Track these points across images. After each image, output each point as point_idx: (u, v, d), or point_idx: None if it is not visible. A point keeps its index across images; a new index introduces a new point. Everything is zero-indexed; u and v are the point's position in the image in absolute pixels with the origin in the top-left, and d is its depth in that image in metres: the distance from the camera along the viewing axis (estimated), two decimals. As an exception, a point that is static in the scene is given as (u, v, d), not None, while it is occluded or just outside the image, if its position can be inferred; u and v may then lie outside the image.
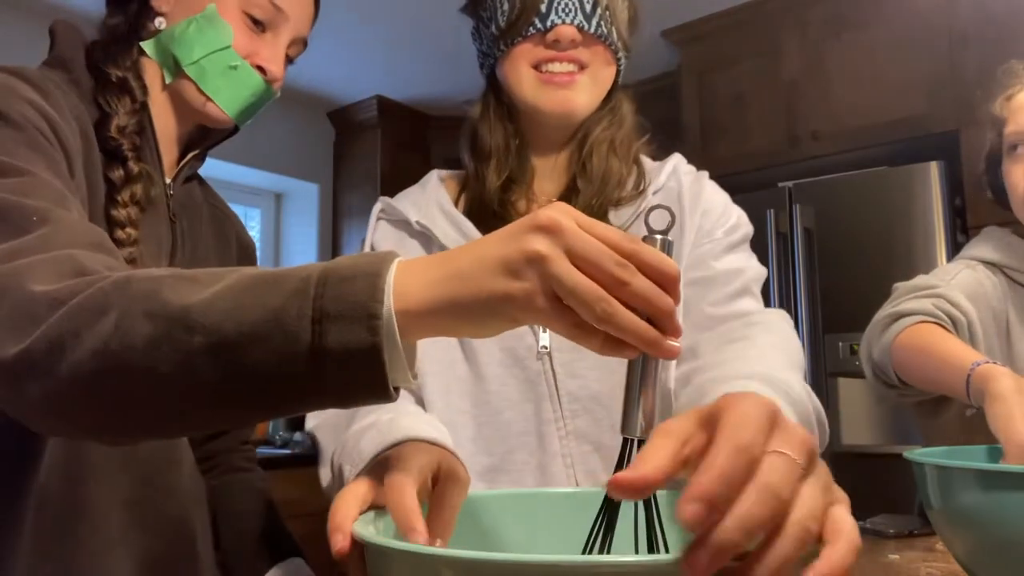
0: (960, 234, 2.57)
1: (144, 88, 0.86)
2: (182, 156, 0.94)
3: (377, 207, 1.00)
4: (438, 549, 0.42)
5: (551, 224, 0.47)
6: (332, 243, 4.09)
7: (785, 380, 0.71)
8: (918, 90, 2.68)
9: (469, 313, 0.48)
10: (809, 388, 0.77)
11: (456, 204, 0.97)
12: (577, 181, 0.93)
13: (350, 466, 0.69)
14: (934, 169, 2.53)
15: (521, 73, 0.90)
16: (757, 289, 0.91)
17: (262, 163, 3.76)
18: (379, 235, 0.98)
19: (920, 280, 1.24)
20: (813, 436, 0.45)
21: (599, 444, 0.87)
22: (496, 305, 0.48)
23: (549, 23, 0.88)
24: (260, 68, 0.89)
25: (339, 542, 0.49)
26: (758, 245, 0.95)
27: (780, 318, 0.86)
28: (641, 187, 0.94)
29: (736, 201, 0.97)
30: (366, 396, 0.49)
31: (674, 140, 3.24)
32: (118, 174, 0.80)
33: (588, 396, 0.87)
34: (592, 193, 0.91)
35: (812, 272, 2.69)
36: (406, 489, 0.53)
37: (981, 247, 1.30)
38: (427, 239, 0.95)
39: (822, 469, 0.39)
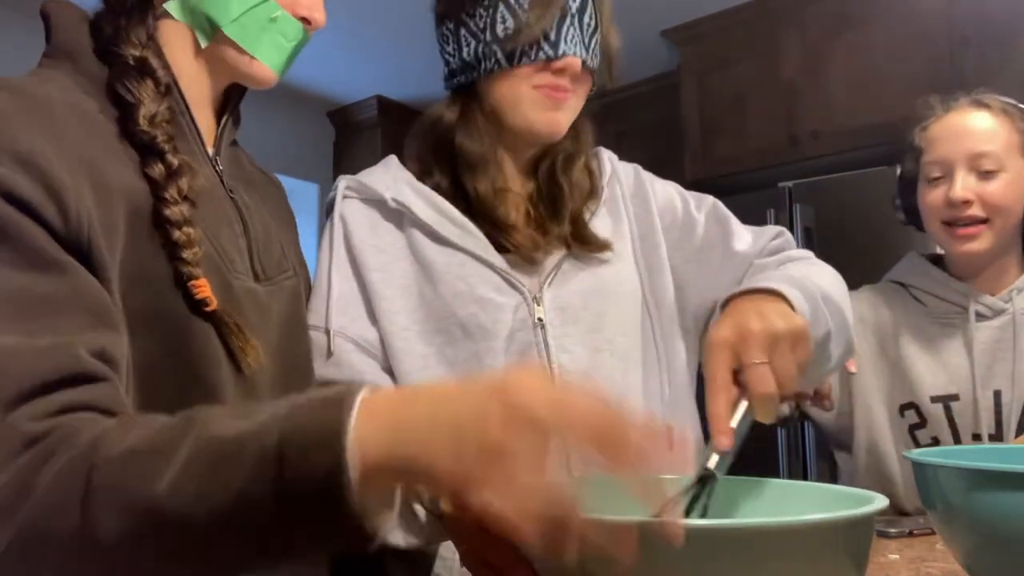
0: (960, 234, 2.56)
1: (166, 66, 0.75)
2: (217, 120, 0.84)
3: (342, 184, 0.98)
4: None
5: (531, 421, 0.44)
6: (332, 243, 4.09)
7: (797, 276, 0.82)
8: (918, 90, 2.66)
9: (422, 476, 0.47)
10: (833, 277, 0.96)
11: None
12: (555, 189, 0.97)
13: None
14: (934, 169, 2.53)
15: (521, 93, 0.91)
16: (789, 238, 1.05)
17: (261, 162, 3.74)
18: (351, 211, 0.95)
19: None
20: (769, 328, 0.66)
21: None
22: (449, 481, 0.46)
23: (560, 52, 0.89)
24: (304, 19, 0.80)
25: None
26: (758, 245, 0.96)
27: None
28: (599, 186, 1.02)
29: (736, 201, 0.98)
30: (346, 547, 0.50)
31: (674, 140, 3.28)
32: (158, 170, 0.69)
33: (578, 371, 0.88)
34: (567, 199, 0.97)
35: (812, 272, 2.68)
36: None
37: (893, 270, 1.45)
38: (400, 216, 0.94)
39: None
